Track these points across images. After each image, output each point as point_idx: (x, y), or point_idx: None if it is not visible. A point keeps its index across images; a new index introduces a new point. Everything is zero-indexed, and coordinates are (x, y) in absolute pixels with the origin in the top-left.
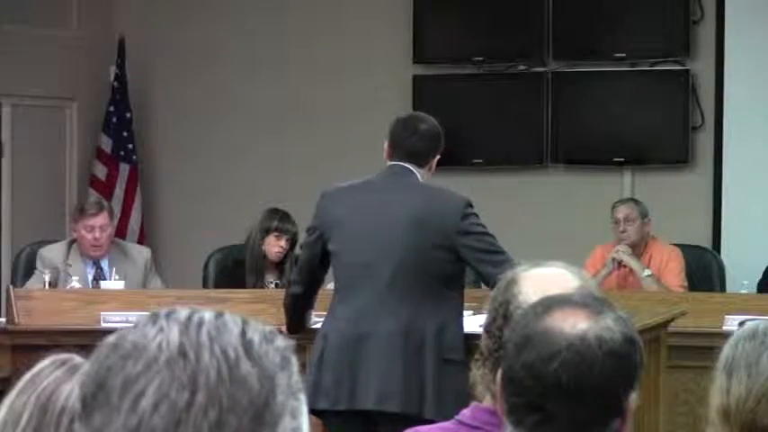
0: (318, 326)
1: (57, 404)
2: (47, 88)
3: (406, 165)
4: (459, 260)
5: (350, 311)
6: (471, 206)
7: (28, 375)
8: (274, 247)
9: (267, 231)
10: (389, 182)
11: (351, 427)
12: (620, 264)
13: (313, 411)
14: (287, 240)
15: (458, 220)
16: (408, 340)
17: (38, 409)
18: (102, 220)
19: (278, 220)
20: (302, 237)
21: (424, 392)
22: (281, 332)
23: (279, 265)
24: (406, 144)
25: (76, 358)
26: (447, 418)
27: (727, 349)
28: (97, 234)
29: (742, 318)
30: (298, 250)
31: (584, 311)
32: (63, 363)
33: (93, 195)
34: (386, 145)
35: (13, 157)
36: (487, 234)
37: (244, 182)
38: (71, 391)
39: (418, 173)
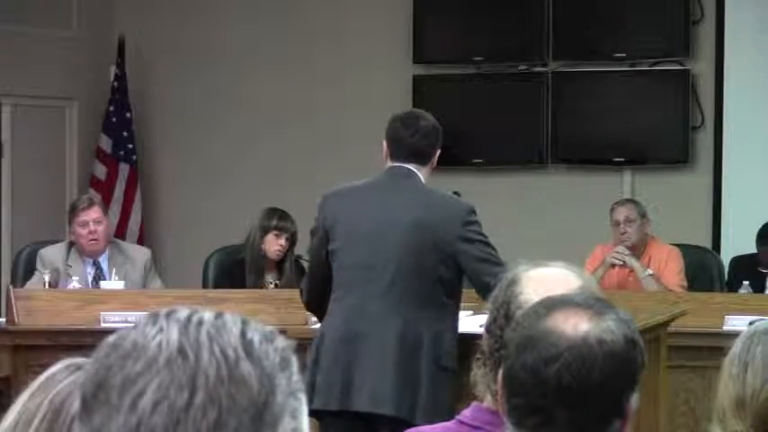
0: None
1: (70, 409)
2: (47, 88)
3: (409, 166)
4: (457, 266)
5: (347, 312)
6: (474, 213)
7: (42, 377)
8: (274, 245)
9: (266, 230)
10: (391, 184)
11: (349, 428)
12: (619, 264)
13: (309, 412)
14: (286, 239)
15: (459, 227)
16: (404, 344)
17: (50, 413)
18: (94, 213)
19: (277, 218)
20: (301, 236)
21: (417, 398)
22: (281, 332)
23: (279, 265)
24: (408, 144)
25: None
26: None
27: (740, 344)
28: (92, 227)
29: (742, 318)
30: (297, 250)
31: (585, 313)
32: (78, 368)
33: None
34: (384, 144)
35: (13, 157)
36: (488, 244)
37: (244, 181)
38: None
39: (420, 173)
